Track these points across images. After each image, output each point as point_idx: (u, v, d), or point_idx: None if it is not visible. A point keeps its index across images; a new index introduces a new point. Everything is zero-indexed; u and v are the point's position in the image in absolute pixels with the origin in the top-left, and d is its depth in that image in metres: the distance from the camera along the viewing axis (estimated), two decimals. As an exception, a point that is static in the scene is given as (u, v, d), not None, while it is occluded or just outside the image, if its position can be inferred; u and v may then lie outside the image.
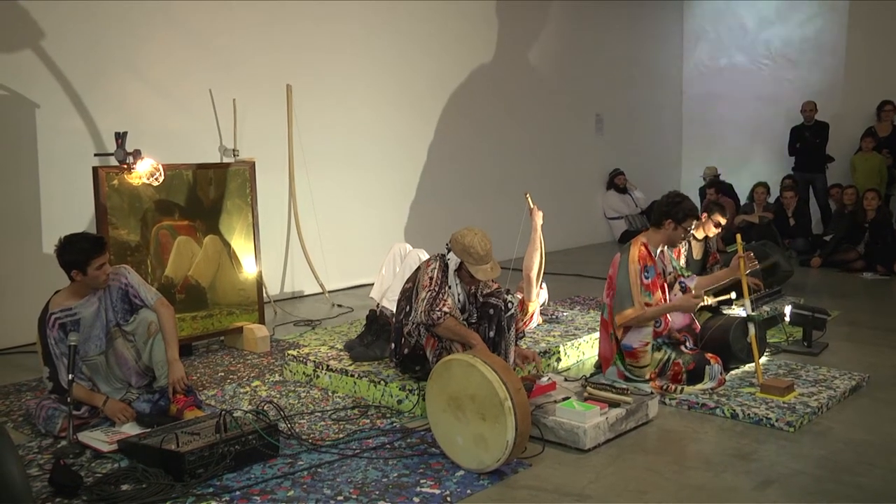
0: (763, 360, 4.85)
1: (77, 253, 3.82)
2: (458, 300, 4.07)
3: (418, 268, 4.15)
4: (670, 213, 4.42)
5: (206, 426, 3.50)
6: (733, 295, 4.45)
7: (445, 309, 3.88)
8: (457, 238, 3.97)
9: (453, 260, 3.99)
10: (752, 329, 4.36)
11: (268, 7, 6.97)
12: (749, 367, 4.55)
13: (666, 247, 4.58)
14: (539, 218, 5.14)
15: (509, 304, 4.07)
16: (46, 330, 3.83)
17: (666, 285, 4.48)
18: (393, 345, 4.21)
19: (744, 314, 4.51)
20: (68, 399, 3.56)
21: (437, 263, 4.02)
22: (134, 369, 4.06)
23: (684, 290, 4.56)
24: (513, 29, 9.49)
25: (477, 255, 3.90)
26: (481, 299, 4.13)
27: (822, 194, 10.14)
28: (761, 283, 5.84)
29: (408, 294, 4.10)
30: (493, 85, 9.25)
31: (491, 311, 4.08)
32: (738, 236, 4.63)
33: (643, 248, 4.40)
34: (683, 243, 5.45)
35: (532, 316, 5.15)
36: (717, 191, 9.97)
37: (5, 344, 5.59)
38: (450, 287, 4.01)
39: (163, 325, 4.03)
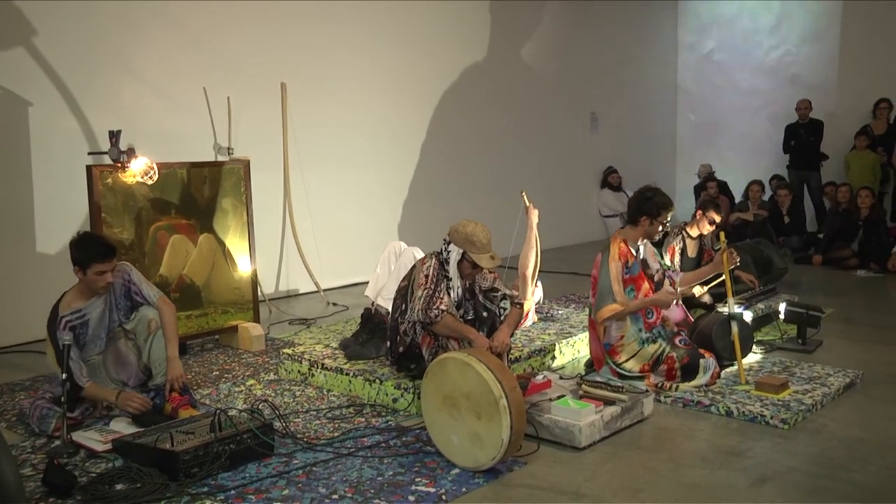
0: (756, 357, 4.86)
1: (82, 252, 3.83)
2: (457, 294, 4.07)
3: (414, 266, 4.14)
4: (643, 209, 4.43)
5: (200, 425, 3.49)
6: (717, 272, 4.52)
7: (443, 307, 3.88)
8: (457, 228, 3.97)
9: (454, 251, 3.99)
10: (734, 327, 4.37)
11: (262, 6, 6.95)
12: (744, 362, 4.55)
13: (650, 244, 4.59)
14: (535, 217, 5.14)
15: (503, 311, 4.09)
16: (56, 332, 3.81)
17: (653, 283, 4.49)
18: (388, 343, 4.21)
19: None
20: (62, 399, 3.55)
21: (433, 261, 4.01)
22: (135, 368, 4.04)
23: (670, 285, 4.57)
24: (507, 27, 9.49)
25: (480, 243, 3.91)
26: (480, 296, 4.13)
27: (816, 192, 10.17)
28: (757, 280, 5.86)
29: (403, 292, 4.09)
30: (487, 83, 9.25)
31: (485, 314, 4.09)
32: (722, 234, 4.67)
33: (622, 244, 4.42)
34: (678, 241, 5.47)
35: (527, 314, 5.15)
36: (716, 185, 9.99)
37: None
38: (450, 280, 4.01)
39: (164, 323, 4.03)
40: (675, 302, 4.49)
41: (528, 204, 5.19)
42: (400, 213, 8.38)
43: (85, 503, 3.03)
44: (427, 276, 3.95)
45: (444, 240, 4.04)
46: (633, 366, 4.33)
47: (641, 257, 4.51)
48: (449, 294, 3.99)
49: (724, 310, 4.99)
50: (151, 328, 4.01)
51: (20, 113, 5.65)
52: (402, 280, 4.18)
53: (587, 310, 5.88)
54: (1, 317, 5.55)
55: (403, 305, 4.04)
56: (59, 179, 5.76)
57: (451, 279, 4.01)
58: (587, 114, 10.98)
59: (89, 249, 3.83)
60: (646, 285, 4.41)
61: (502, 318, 4.09)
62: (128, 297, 4.06)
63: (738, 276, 5.50)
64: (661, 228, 4.48)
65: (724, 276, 4.61)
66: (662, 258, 4.79)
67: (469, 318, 4.11)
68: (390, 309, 4.27)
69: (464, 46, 8.99)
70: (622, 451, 3.52)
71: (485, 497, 3.11)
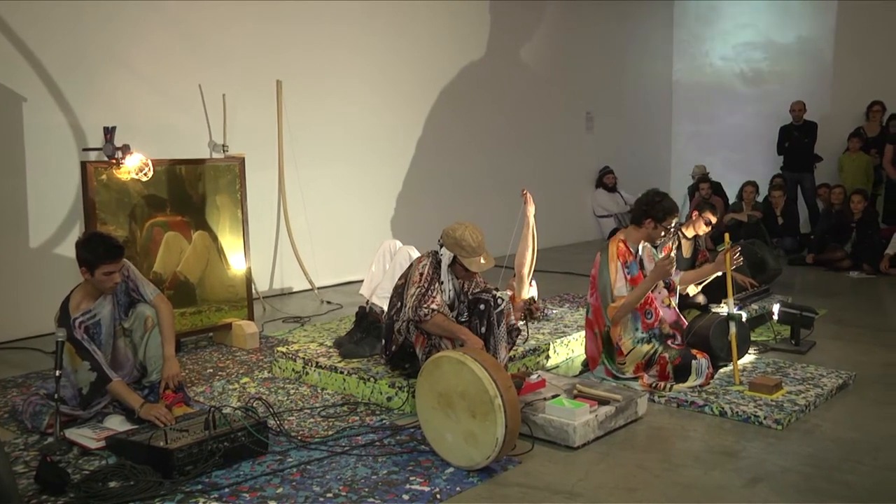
0: (750, 358, 4.87)
1: (89, 253, 3.77)
2: (449, 297, 4.06)
3: (411, 264, 4.14)
4: (650, 212, 4.45)
5: (194, 423, 3.48)
6: (718, 273, 4.50)
7: (434, 306, 3.87)
8: (448, 232, 3.97)
9: (446, 255, 3.99)
10: (732, 328, 4.39)
11: (258, 4, 6.93)
12: (739, 363, 4.56)
13: (648, 245, 4.60)
14: (531, 210, 5.06)
15: (499, 301, 4.06)
16: (73, 332, 3.78)
17: None
18: (383, 341, 4.20)
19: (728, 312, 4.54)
20: (55, 395, 3.53)
21: (429, 260, 4.02)
22: (131, 366, 4.02)
23: (668, 285, 4.57)
24: (504, 26, 9.49)
25: (469, 246, 3.90)
26: (471, 297, 4.12)
27: (809, 194, 10.21)
28: (754, 282, 5.87)
29: (399, 291, 4.09)
30: (483, 82, 9.24)
31: (482, 307, 4.05)
32: (727, 235, 4.66)
33: (622, 244, 4.44)
34: (673, 241, 5.48)
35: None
36: (710, 186, 10.02)
37: (-9, 340, 5.54)
38: (441, 283, 4.00)
39: (161, 321, 4.01)
40: (673, 270, 4.41)
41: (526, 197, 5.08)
42: (395, 212, 8.37)
43: (78, 501, 3.01)
44: (421, 275, 3.95)
45: (439, 242, 4.04)
46: (627, 367, 4.35)
47: (639, 257, 4.52)
48: (442, 294, 3.98)
49: (719, 310, 5.01)
50: (148, 325, 3.99)
51: (14, 108, 5.62)
52: (400, 278, 4.17)
53: (581, 309, 5.91)
54: (-7, 313, 5.53)
55: (399, 303, 4.04)
56: (53, 175, 5.74)
57: (442, 282, 4.00)
58: (583, 113, 11.00)
59: (97, 250, 3.76)
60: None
61: (501, 307, 4.03)
62: (127, 294, 4.04)
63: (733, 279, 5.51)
64: (663, 233, 4.50)
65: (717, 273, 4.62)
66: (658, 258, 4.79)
67: (463, 319, 4.10)
68: (385, 307, 4.26)
69: (460, 45, 8.99)
70: (616, 451, 3.53)
71: (479, 496, 3.11)
